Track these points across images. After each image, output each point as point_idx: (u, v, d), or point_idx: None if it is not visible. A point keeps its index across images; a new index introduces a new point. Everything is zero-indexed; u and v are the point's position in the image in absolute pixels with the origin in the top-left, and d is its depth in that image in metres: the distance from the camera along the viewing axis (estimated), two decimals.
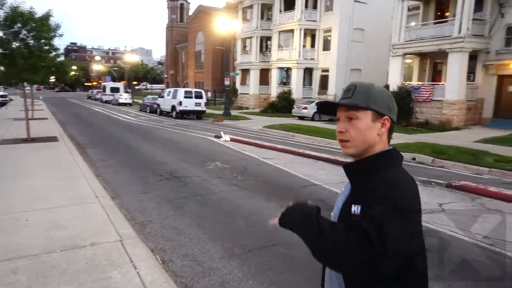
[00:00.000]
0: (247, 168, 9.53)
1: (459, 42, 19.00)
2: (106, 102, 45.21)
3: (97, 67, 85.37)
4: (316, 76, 31.90)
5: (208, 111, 27.42)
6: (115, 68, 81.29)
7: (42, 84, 19.83)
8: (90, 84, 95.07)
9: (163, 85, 79.48)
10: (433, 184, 8.21)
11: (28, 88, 16.59)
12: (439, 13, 22.84)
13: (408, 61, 24.20)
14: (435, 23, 21.62)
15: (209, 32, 50.92)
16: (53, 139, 12.81)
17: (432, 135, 16.90)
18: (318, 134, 16.86)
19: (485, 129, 18.71)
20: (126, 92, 47.60)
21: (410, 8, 23.09)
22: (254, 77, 36.07)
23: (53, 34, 11.88)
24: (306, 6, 30.90)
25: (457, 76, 19.28)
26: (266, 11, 37.41)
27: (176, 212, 5.89)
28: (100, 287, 3.28)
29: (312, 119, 24.66)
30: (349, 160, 1.43)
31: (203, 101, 25.46)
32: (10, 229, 4.54)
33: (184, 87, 52.99)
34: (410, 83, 22.45)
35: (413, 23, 22.93)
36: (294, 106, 27.09)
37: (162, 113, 27.97)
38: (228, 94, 27.12)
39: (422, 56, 23.24)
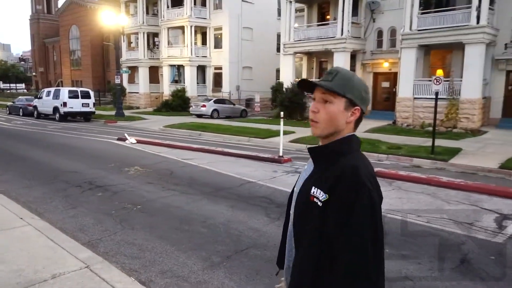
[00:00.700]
0: (173, 170, 9.05)
1: (342, 42, 21.09)
2: None
3: None
4: (210, 74, 31.88)
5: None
6: None
7: None
8: None
9: (27, 86, 69.84)
10: None
11: None
12: (321, 16, 24.95)
13: (297, 59, 25.89)
14: (319, 25, 23.57)
15: (86, 26, 46.66)
16: None
17: None
18: (226, 132, 16.93)
19: (366, 120, 21.15)
20: None
21: (296, 10, 24.68)
22: (143, 75, 34.24)
23: None
24: (195, 3, 30.57)
25: None
26: (151, 6, 35.82)
27: (123, 225, 5.27)
28: None
29: (211, 116, 24.62)
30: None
31: (91, 101, 23.20)
32: None
33: (58, 86, 47.60)
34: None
35: (296, 25, 24.47)
36: (191, 104, 26.66)
37: (40, 116, 24.68)
38: (120, 94, 25.26)
39: (309, 55, 25.12)
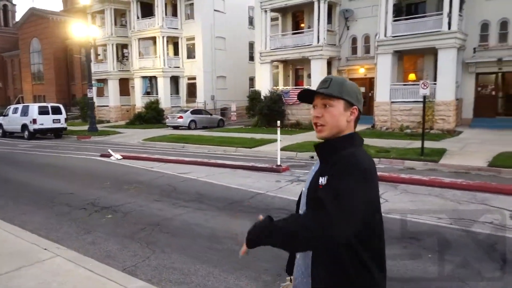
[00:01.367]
0: (174, 186, 8.73)
1: (319, 50, 21.45)
2: None
3: None
4: (183, 84, 31.46)
5: None
6: None
7: None
8: None
9: None
10: None
11: None
12: (296, 25, 25.30)
13: (273, 67, 26.04)
14: (294, 33, 23.89)
15: (48, 39, 44.81)
16: None
17: (310, 134, 18.56)
18: (209, 143, 16.66)
19: None
20: None
21: (271, 18, 24.90)
22: (113, 87, 33.26)
23: None
24: (166, 14, 30.17)
25: (320, 80, 21.69)
26: (119, 17, 34.98)
27: (151, 248, 4.97)
28: None
29: (189, 128, 24.23)
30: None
31: (62, 117, 22.18)
32: None
33: (18, 102, 45.33)
34: (279, 87, 24.24)
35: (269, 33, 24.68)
36: (168, 116, 26.14)
37: (6, 134, 23.31)
38: (93, 108, 24.31)
39: (285, 63, 25.35)
